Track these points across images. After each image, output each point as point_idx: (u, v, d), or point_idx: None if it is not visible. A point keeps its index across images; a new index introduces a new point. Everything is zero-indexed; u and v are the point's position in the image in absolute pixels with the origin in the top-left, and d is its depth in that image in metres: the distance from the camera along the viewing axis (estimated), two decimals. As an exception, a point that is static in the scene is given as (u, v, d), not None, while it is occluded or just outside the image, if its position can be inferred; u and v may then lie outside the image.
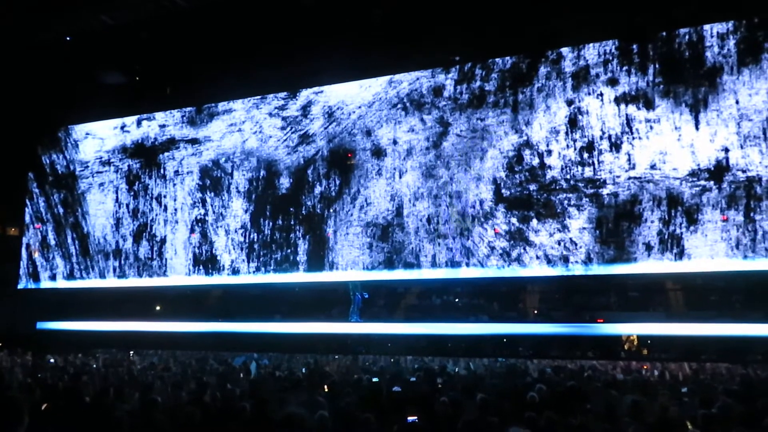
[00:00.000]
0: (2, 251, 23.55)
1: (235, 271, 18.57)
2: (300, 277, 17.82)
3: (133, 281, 20.40)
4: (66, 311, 21.46)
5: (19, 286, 22.65)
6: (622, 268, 13.98)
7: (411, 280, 17.29)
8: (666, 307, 16.61)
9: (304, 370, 11.00)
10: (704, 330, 13.83)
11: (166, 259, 19.63)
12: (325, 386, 8.12)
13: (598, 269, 14.22)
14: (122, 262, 20.78)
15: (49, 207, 22.78)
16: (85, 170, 22.12)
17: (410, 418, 5.95)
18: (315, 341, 17.85)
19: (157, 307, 22.10)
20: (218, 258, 18.82)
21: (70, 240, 22.10)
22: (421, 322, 17.73)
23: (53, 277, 22.19)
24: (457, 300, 19.09)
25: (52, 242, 22.42)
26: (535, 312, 18.01)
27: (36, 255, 22.88)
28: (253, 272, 18.32)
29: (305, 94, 17.96)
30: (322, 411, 5.93)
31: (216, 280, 19.03)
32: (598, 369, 12.27)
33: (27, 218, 23.17)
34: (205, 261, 18.90)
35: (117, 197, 21.07)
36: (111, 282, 20.85)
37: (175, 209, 19.72)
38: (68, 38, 17.40)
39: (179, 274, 19.32)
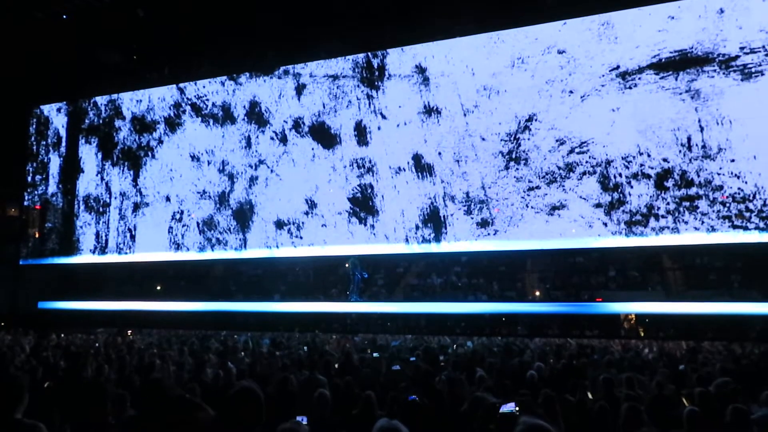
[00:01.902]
0: (2, 232, 23.61)
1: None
2: (303, 251, 17.95)
3: (139, 256, 20.57)
4: (67, 290, 21.58)
5: (21, 262, 22.78)
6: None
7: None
8: (665, 285, 16.70)
9: (305, 349, 11.04)
10: (702, 308, 13.93)
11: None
12: (326, 364, 8.15)
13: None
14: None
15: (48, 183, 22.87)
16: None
17: (410, 396, 5.97)
18: (315, 320, 17.95)
19: (158, 287, 22.18)
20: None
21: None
22: (420, 302, 17.84)
23: (57, 253, 22.34)
24: (453, 279, 19.16)
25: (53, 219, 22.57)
26: (535, 292, 18.11)
27: (35, 232, 23.00)
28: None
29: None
30: (321, 389, 5.96)
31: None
32: (597, 347, 12.31)
33: (26, 198, 23.26)
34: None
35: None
36: (113, 258, 20.98)
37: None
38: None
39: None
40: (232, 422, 2.80)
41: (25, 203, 23.79)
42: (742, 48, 14.15)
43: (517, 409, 3.60)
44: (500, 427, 3.38)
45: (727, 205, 13.94)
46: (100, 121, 22.58)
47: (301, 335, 15.70)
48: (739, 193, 13.92)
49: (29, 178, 23.73)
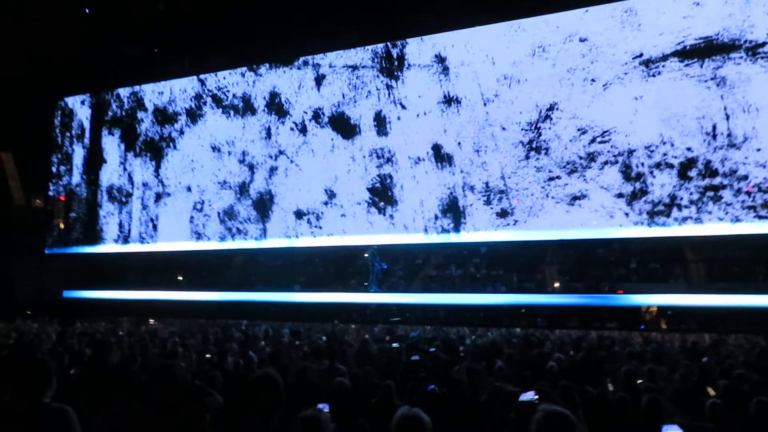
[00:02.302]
0: (27, 222, 24.06)
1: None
2: (322, 241, 18.04)
3: (161, 245, 20.85)
4: (91, 280, 21.94)
5: (46, 251, 23.22)
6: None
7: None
8: (687, 278, 16.48)
9: (324, 338, 11.11)
10: (726, 301, 13.72)
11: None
12: (343, 354, 8.20)
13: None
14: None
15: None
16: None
17: (430, 386, 5.99)
18: (335, 311, 18.03)
19: (179, 277, 22.44)
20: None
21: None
22: (439, 293, 17.83)
23: (81, 243, 22.75)
24: (472, 270, 19.11)
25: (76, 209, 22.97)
26: (555, 284, 18.00)
27: (60, 222, 23.42)
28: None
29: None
30: (340, 378, 6.01)
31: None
32: (617, 339, 12.21)
33: (51, 189, 23.65)
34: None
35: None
36: (136, 247, 21.28)
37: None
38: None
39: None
40: (251, 407, 2.81)
41: (50, 194, 24.19)
42: (769, 34, 13.85)
43: (537, 397, 3.60)
44: (520, 415, 3.38)
45: (753, 195, 13.69)
46: (123, 113, 22.84)
47: (321, 325, 15.80)
48: (764, 183, 13.67)
49: (54, 169, 24.11)
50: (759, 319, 13.49)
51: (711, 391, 5.99)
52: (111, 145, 22.97)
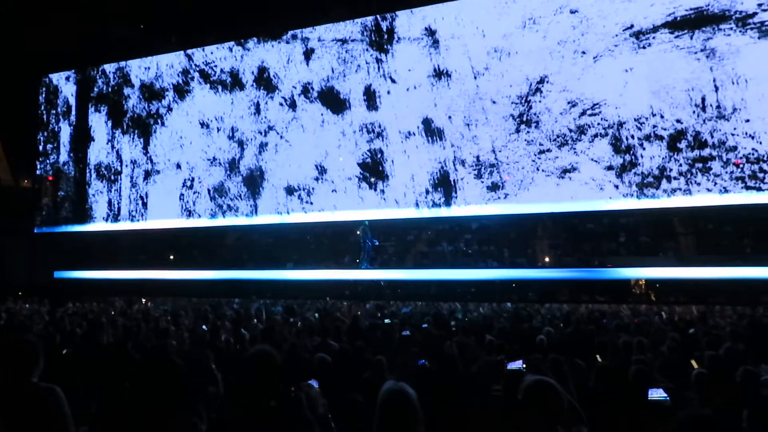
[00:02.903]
0: (16, 203, 23.89)
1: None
2: (314, 217, 18.03)
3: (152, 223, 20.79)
4: (82, 260, 21.88)
5: (35, 230, 23.10)
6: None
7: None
8: (676, 251, 16.62)
9: (316, 315, 11.17)
10: (714, 273, 13.87)
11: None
12: (336, 330, 8.25)
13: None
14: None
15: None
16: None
17: (421, 361, 6.06)
18: (327, 288, 18.09)
19: (171, 256, 22.41)
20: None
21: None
22: (431, 269, 17.91)
23: (71, 221, 22.62)
24: (463, 246, 19.16)
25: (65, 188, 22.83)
26: (546, 258, 18.10)
27: (48, 202, 23.27)
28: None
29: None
30: (321, 354, 6.04)
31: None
32: (607, 313, 12.35)
33: (38, 167, 23.45)
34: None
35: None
36: (126, 225, 21.22)
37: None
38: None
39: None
40: (248, 384, 2.80)
41: (38, 172, 23.97)
42: (759, 5, 13.77)
43: (524, 366, 3.65)
44: (507, 385, 3.43)
45: (741, 166, 13.76)
46: (109, 90, 22.56)
47: (313, 302, 15.86)
48: (753, 154, 13.72)
49: (41, 147, 23.86)
50: (746, 291, 13.66)
51: (694, 364, 6.08)
52: (98, 122, 22.71)
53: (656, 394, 4.05)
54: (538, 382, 2.78)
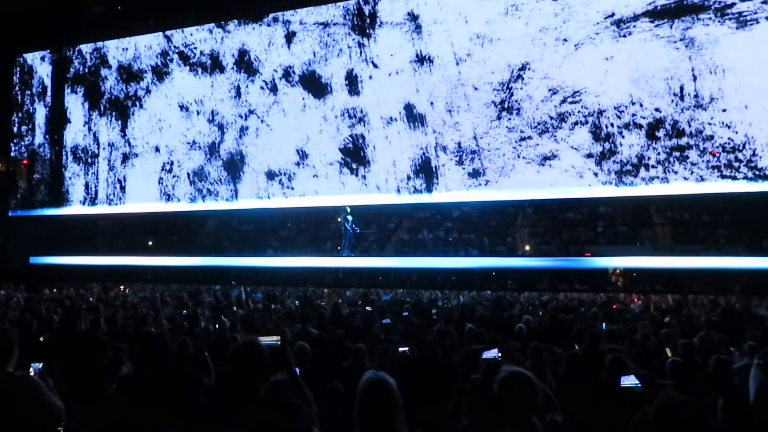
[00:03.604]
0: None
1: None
2: (294, 202, 17.97)
3: (129, 207, 20.57)
4: (58, 245, 21.58)
5: (10, 213, 22.71)
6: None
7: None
8: (653, 241, 16.86)
9: (297, 302, 11.17)
10: (689, 263, 14.12)
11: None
12: (320, 317, 8.27)
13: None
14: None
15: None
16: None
17: (401, 349, 6.09)
18: (307, 275, 18.08)
19: (150, 242, 22.21)
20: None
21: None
22: (412, 257, 17.97)
23: (46, 205, 22.29)
24: (444, 234, 19.23)
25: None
26: (525, 247, 18.25)
27: (23, 185, 22.88)
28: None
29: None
30: (300, 342, 6.04)
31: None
32: (585, 301, 12.53)
33: (13, 150, 23.03)
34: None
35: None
36: (103, 209, 20.98)
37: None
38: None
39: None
40: (238, 374, 2.88)
41: (12, 154, 23.51)
42: (738, -5, 13.91)
43: (500, 355, 3.69)
44: (484, 375, 3.45)
45: (717, 155, 13.96)
46: (86, 70, 22.14)
47: (294, 289, 15.85)
48: (729, 143, 13.92)
49: (15, 129, 23.38)
50: (720, 281, 13.92)
51: (668, 352, 6.21)
52: (74, 103, 22.31)
53: (628, 381, 4.13)
54: (512, 374, 2.83)
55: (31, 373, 3.42)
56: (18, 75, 23.45)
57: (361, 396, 2.65)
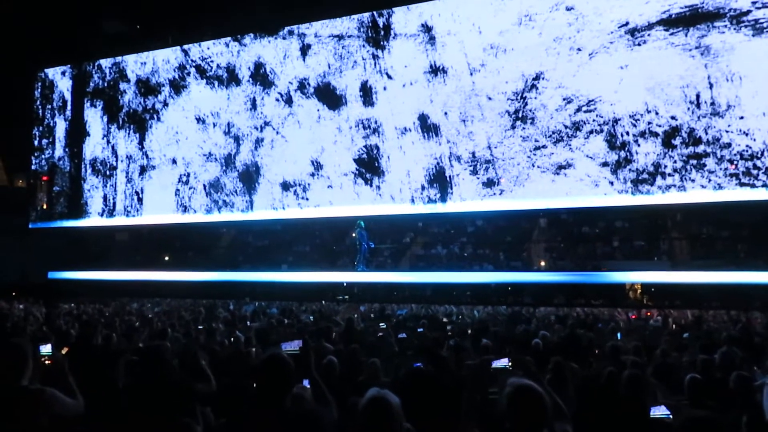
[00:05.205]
0: (11, 203, 23.77)
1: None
2: (309, 212, 17.99)
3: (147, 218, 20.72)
4: (77, 259, 21.78)
5: (30, 226, 22.99)
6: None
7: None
8: (671, 255, 16.63)
9: (311, 318, 11.17)
10: (708, 278, 13.87)
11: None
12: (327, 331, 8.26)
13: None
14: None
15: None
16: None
17: (416, 364, 6.05)
18: (322, 290, 18.06)
19: (166, 257, 22.36)
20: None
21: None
22: (427, 272, 17.89)
23: (66, 216, 22.55)
24: (459, 250, 19.14)
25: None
26: (541, 262, 18.09)
27: (43, 197, 23.19)
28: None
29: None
30: (330, 356, 6.04)
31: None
32: (602, 317, 12.39)
33: (34, 162, 23.36)
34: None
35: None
36: (121, 220, 21.17)
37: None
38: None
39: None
40: (264, 386, 2.99)
41: (33, 167, 23.87)
42: (754, 2, 13.76)
43: (510, 365, 3.66)
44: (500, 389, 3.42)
45: (735, 162, 13.78)
46: (105, 85, 22.45)
47: (309, 305, 15.85)
48: (747, 151, 13.74)
49: (36, 142, 23.76)
50: (740, 296, 13.67)
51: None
52: (94, 117, 22.63)
53: (659, 411, 4.04)
54: (520, 387, 2.81)
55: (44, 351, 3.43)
56: (39, 90, 23.85)
57: (362, 413, 2.67)
